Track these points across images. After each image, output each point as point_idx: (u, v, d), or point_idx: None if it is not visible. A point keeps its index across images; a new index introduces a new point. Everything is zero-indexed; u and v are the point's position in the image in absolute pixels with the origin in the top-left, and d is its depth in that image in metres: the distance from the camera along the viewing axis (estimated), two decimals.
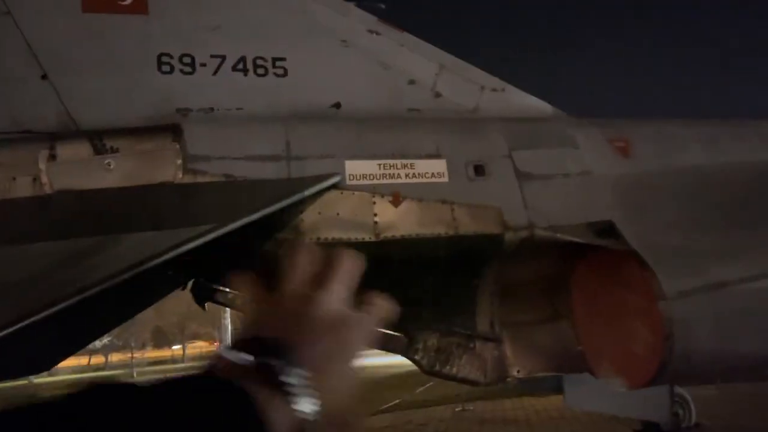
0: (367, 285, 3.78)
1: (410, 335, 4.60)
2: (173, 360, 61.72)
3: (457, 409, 12.96)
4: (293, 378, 0.76)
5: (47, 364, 4.76)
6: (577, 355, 4.75)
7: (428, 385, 14.02)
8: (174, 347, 66.85)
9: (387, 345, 4.74)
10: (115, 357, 57.67)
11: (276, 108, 4.35)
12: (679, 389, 8.79)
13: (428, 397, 14.21)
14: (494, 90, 5.05)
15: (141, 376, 40.51)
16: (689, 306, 4.05)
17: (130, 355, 49.57)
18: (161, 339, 66.59)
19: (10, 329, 2.73)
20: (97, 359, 57.98)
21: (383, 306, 1.02)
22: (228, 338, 61.65)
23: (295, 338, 0.83)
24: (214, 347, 64.28)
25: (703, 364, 4.16)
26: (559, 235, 4.31)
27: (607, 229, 4.39)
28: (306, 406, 0.76)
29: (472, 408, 13.00)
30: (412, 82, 4.82)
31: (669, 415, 8.13)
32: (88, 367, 54.46)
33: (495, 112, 4.92)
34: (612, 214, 4.46)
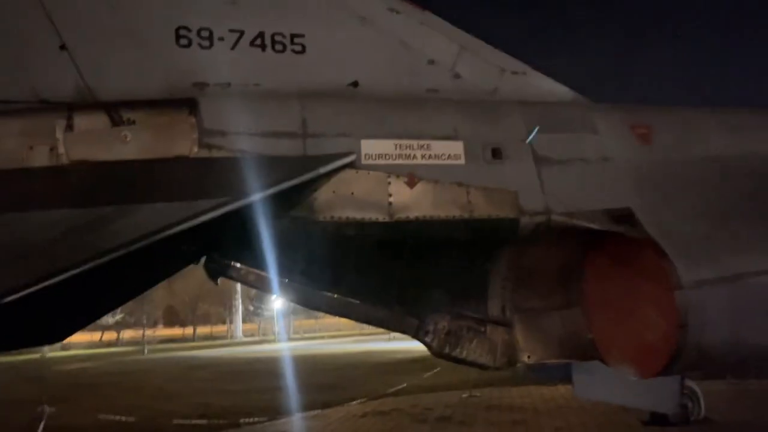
0: (379, 266, 3.76)
1: (421, 317, 4.60)
2: (184, 339, 62.34)
3: (463, 395, 12.98)
4: None
5: (60, 335, 4.80)
6: (588, 343, 4.72)
7: (435, 370, 14.09)
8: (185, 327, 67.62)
9: (397, 326, 4.74)
10: (126, 334, 58.33)
11: (293, 85, 4.32)
12: (689, 382, 8.72)
13: (435, 383, 14.27)
14: (515, 73, 4.98)
15: (152, 353, 41.00)
16: (705, 296, 4.00)
17: (141, 332, 50.04)
18: (173, 318, 67.22)
19: (29, 290, 2.74)
20: (110, 335, 58.70)
21: None
22: (238, 318, 62.09)
23: None
24: (224, 327, 65.09)
25: (717, 356, 4.11)
26: (575, 221, 4.27)
27: (625, 217, 4.34)
28: None
29: (479, 394, 13.02)
30: (431, 62, 4.76)
31: (678, 407, 8.08)
32: (101, 343, 55.15)
33: (515, 95, 4.86)
34: (631, 202, 4.40)
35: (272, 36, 4.36)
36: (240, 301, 62.78)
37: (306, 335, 57.94)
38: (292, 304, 57.41)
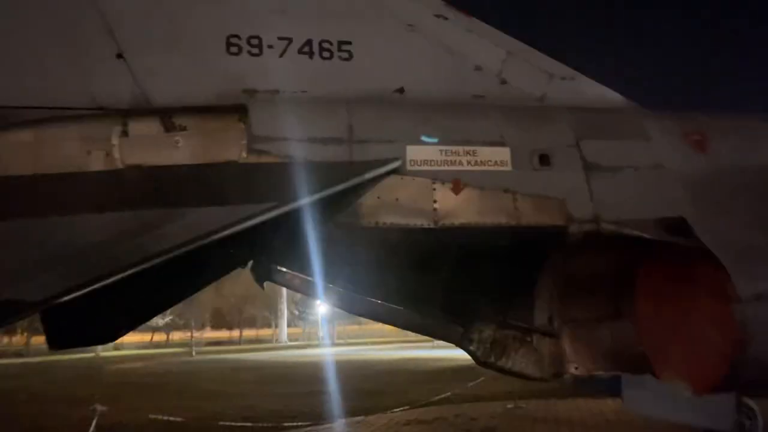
0: (424, 272, 3.74)
1: (465, 325, 4.55)
2: (230, 341, 63.54)
3: (509, 406, 12.75)
4: None
5: (112, 335, 4.94)
6: (639, 355, 4.57)
7: (480, 380, 13.89)
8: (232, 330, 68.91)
9: (441, 334, 4.71)
10: (175, 336, 59.85)
11: (340, 91, 4.35)
12: (746, 399, 8.35)
13: (480, 392, 14.08)
14: (563, 78, 4.90)
15: (199, 355, 41.90)
16: (764, 310, 3.82)
17: (190, 334, 51.27)
18: (220, 320, 68.59)
19: (82, 291, 2.84)
20: (159, 336, 60.36)
21: None
22: (283, 322, 62.79)
23: None
24: (269, 331, 66.00)
25: None
26: (626, 230, 4.15)
27: (679, 226, 4.20)
28: None
29: (524, 406, 12.77)
30: (478, 68, 4.73)
31: (734, 425, 7.74)
32: (151, 344, 56.76)
33: (563, 101, 4.77)
34: (684, 211, 4.25)
35: (320, 43, 4.42)
36: (285, 305, 63.58)
37: (350, 341, 58.20)
38: (336, 310, 57.98)
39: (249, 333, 68.87)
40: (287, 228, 3.88)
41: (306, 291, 4.61)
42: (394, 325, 4.84)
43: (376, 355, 36.37)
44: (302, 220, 3.83)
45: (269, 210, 3.52)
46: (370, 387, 17.89)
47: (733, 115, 5.21)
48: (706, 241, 4.03)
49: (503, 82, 4.76)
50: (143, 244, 3.23)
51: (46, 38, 4.04)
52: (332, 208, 3.94)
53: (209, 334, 64.98)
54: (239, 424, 11.95)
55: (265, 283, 4.71)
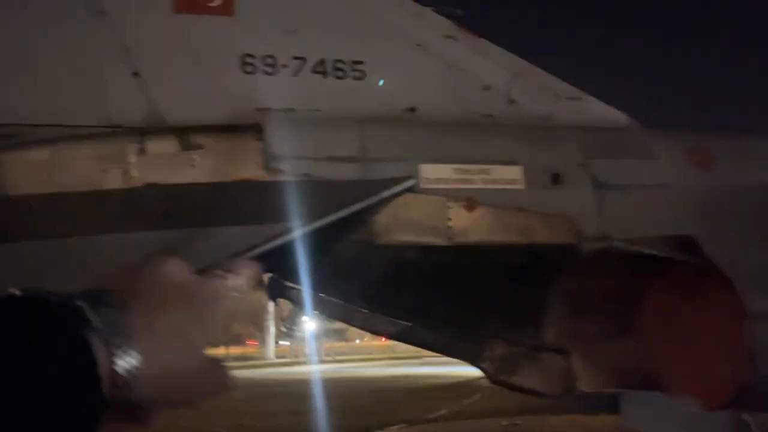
0: (436, 290, 3.78)
1: (477, 343, 4.58)
2: None
3: (503, 423, 12.77)
4: (113, 328, 0.72)
5: None
6: (647, 372, 4.63)
7: (475, 397, 13.90)
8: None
9: (454, 351, 4.73)
10: None
11: (353, 110, 4.40)
12: (745, 417, 8.44)
13: (475, 409, 14.08)
14: (570, 98, 4.98)
15: None
16: None
17: None
18: None
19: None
20: None
21: (246, 271, 0.96)
22: (270, 339, 62.18)
23: (127, 294, 0.78)
24: (254, 347, 65.48)
25: None
26: (636, 248, 4.22)
27: (687, 244, 4.28)
28: (124, 360, 0.72)
29: (520, 423, 12.80)
30: (486, 87, 4.80)
31: None
32: None
33: (570, 121, 4.86)
34: (691, 229, 4.34)
35: (333, 63, 4.47)
36: (272, 322, 63.08)
37: (337, 357, 57.81)
38: (324, 326, 57.67)
39: (235, 350, 68.18)
40: (303, 245, 3.90)
41: (320, 309, 4.62)
42: (408, 343, 4.86)
43: (366, 372, 36.16)
44: (318, 238, 3.86)
45: (293, 229, 3.54)
46: (363, 404, 17.78)
47: (733, 135, 5.34)
48: (714, 258, 4.12)
49: (511, 101, 4.83)
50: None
51: (60, 56, 4.06)
52: (347, 226, 3.97)
53: None
54: None
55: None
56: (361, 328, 4.82)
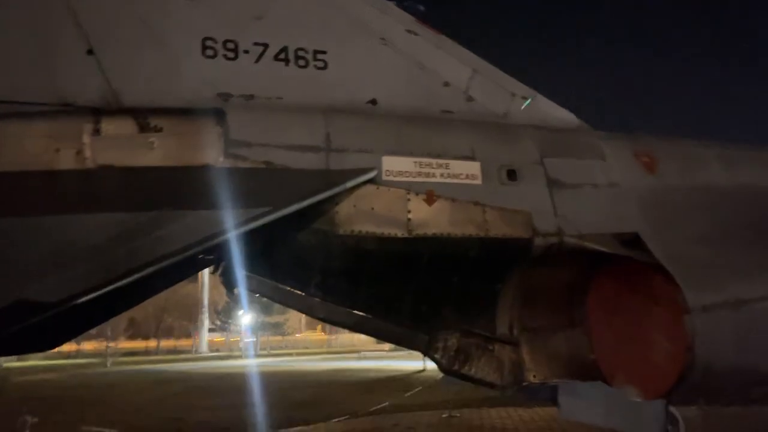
0: (393, 282, 3.82)
1: (432, 334, 4.64)
2: (147, 352, 60.91)
3: (444, 415, 12.99)
4: None
5: (53, 342, 4.69)
6: (591, 363, 4.82)
7: (416, 390, 14.08)
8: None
9: (408, 342, 4.78)
10: (89, 345, 56.68)
11: (314, 100, 4.37)
12: (672, 408, 8.89)
13: (416, 402, 14.24)
14: (524, 98, 5.12)
15: (115, 366, 39.96)
16: (712, 321, 4.13)
17: (104, 344, 48.71)
18: (136, 330, 65.73)
19: (103, 290, 2.72)
20: (69, 346, 56.92)
21: None
22: (204, 332, 60.90)
23: None
24: (188, 341, 63.81)
25: (722, 381, 4.23)
26: (586, 244, 4.38)
27: (633, 241, 4.48)
28: None
29: (458, 414, 13.05)
30: (446, 84, 4.87)
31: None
32: (59, 354, 53.36)
33: (524, 120, 4.99)
34: (637, 227, 4.54)
35: (296, 51, 4.43)
36: (206, 315, 61.75)
37: (273, 351, 57.21)
38: (260, 320, 56.86)
39: (167, 343, 66.35)
40: (259, 233, 3.84)
41: (276, 298, 4.57)
42: (364, 333, 4.87)
43: (304, 366, 35.96)
44: (278, 226, 3.81)
45: (265, 215, 3.49)
46: (303, 398, 17.70)
47: (676, 139, 5.62)
48: (658, 255, 4.32)
49: (470, 98, 4.93)
50: (150, 246, 3.13)
51: (10, 30, 3.84)
52: (308, 215, 3.94)
53: (124, 344, 61.96)
54: None
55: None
56: (319, 319, 4.79)
